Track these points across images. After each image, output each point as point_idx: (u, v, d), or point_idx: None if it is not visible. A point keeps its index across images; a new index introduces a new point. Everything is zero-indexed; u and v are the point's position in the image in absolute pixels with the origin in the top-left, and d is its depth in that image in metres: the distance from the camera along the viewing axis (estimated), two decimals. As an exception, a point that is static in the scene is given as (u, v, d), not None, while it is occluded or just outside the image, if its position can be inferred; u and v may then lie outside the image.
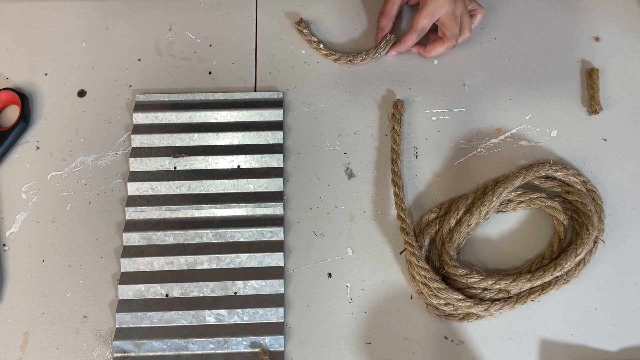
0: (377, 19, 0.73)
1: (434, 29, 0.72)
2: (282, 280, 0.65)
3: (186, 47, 0.74)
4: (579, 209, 0.65)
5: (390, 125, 0.70)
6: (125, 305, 0.64)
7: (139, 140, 0.69)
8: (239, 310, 0.64)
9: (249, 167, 0.69)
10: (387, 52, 0.73)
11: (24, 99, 0.71)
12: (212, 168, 0.69)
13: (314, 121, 0.71)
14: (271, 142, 0.70)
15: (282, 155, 0.69)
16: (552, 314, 0.65)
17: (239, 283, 0.65)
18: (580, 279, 0.65)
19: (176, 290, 0.65)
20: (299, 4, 0.75)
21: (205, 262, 0.66)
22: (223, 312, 0.64)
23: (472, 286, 0.63)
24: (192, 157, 0.69)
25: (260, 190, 0.68)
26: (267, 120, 0.70)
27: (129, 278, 0.65)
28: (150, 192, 0.68)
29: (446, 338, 0.65)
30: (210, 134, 0.69)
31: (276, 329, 0.64)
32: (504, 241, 0.67)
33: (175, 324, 0.64)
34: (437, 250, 0.66)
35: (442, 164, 0.69)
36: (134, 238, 0.66)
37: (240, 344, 0.64)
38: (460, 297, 0.62)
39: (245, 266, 0.66)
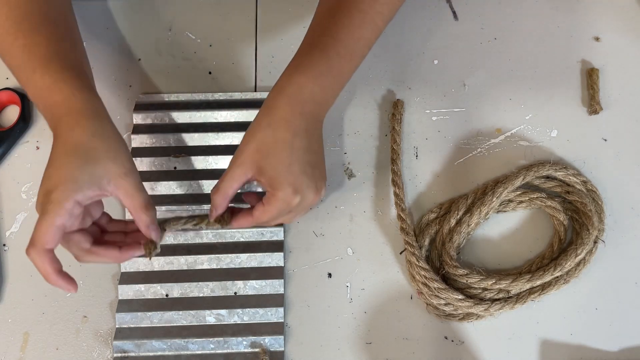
0: (211, 191, 0.57)
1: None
2: (282, 280, 0.65)
3: (186, 47, 0.74)
4: (579, 209, 0.65)
5: (390, 125, 0.70)
6: (125, 305, 0.64)
7: (139, 140, 0.69)
8: (239, 310, 0.64)
9: (249, 167, 0.69)
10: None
11: (24, 99, 0.71)
12: (212, 168, 0.69)
13: (314, 121, 0.71)
14: (271, 142, 0.70)
15: (282, 155, 0.69)
16: (552, 314, 0.65)
17: (239, 283, 0.65)
18: (580, 279, 0.65)
19: (176, 290, 0.65)
20: (299, 4, 0.75)
21: (205, 262, 0.66)
22: (223, 312, 0.64)
23: (472, 286, 0.63)
24: (192, 157, 0.69)
25: (260, 190, 0.68)
26: (267, 120, 0.70)
27: (129, 278, 0.65)
28: (150, 192, 0.67)
29: (446, 338, 0.65)
30: (210, 134, 0.69)
31: (276, 329, 0.64)
32: (504, 241, 0.67)
33: (175, 324, 0.64)
34: (437, 250, 0.66)
35: (442, 164, 0.69)
36: (134, 238, 0.66)
37: (240, 344, 0.64)
38: (461, 297, 0.62)
39: (245, 266, 0.66)
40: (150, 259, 0.57)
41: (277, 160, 0.54)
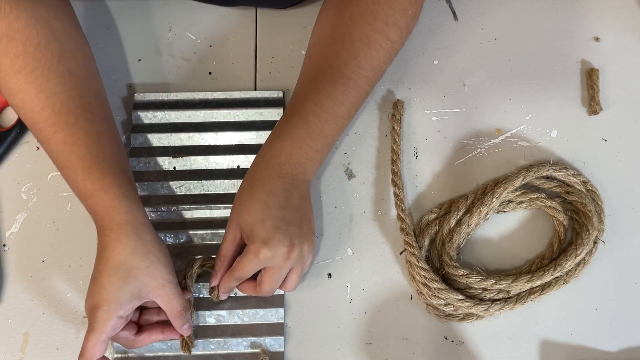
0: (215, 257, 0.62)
1: None
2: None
3: (186, 47, 0.74)
4: (579, 209, 0.65)
5: (390, 126, 0.70)
6: (125, 306, 0.64)
7: (139, 140, 0.69)
8: (239, 311, 0.64)
9: (248, 167, 0.68)
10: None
11: (23, 99, 0.71)
12: (212, 168, 0.69)
13: (314, 121, 0.71)
14: (271, 142, 0.69)
15: (282, 155, 0.69)
16: (552, 314, 0.65)
17: (239, 283, 0.65)
18: (580, 279, 0.65)
19: (176, 290, 0.65)
20: (299, 4, 0.75)
21: (205, 262, 0.66)
22: (223, 312, 0.64)
23: (472, 286, 0.63)
24: (192, 157, 0.68)
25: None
26: (267, 120, 0.70)
27: (129, 278, 0.65)
28: (150, 192, 0.68)
29: (446, 338, 0.65)
30: (209, 134, 0.69)
31: (276, 329, 0.64)
32: (504, 241, 0.67)
33: (175, 324, 0.64)
34: (437, 250, 0.66)
35: (442, 164, 0.69)
36: (134, 238, 0.66)
37: (241, 345, 0.64)
38: (460, 297, 0.62)
39: (245, 266, 0.66)
40: (190, 353, 0.62)
41: (251, 216, 0.58)
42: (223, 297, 0.63)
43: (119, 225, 0.57)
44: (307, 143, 0.60)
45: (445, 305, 0.63)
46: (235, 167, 0.69)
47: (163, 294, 0.58)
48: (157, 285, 0.57)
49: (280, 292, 0.65)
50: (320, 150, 0.61)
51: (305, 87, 0.63)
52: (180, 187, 0.68)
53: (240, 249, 0.60)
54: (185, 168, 0.68)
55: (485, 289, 0.63)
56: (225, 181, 0.68)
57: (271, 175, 0.59)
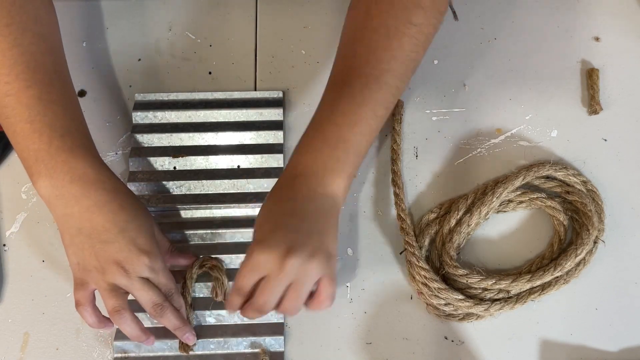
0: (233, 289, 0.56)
1: None
2: (282, 280, 0.65)
3: (186, 47, 0.74)
4: (579, 209, 0.65)
5: (391, 126, 0.70)
6: (126, 306, 0.64)
7: (139, 140, 0.69)
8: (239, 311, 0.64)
9: (248, 167, 0.69)
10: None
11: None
12: (212, 168, 0.69)
13: (314, 121, 0.71)
14: (271, 142, 0.69)
15: (282, 155, 0.69)
16: (552, 314, 0.65)
17: (239, 283, 0.65)
18: (580, 279, 0.65)
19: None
20: (299, 4, 0.75)
21: (205, 262, 0.66)
22: (223, 312, 0.64)
23: (472, 286, 0.63)
24: (192, 157, 0.68)
25: (260, 190, 0.68)
26: (267, 120, 0.70)
27: (129, 278, 0.65)
28: (150, 192, 0.68)
29: (446, 338, 0.65)
30: (209, 134, 0.69)
31: (276, 329, 0.64)
32: (504, 241, 0.67)
33: (175, 324, 0.64)
34: (437, 250, 0.66)
35: (442, 164, 0.69)
36: (134, 238, 0.66)
37: (241, 344, 0.64)
38: (461, 297, 0.62)
39: (245, 266, 0.66)
40: (188, 354, 0.63)
41: (260, 219, 0.57)
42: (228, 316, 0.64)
43: (115, 177, 0.59)
44: (325, 153, 0.56)
45: (445, 305, 0.63)
46: (235, 167, 0.69)
47: (159, 231, 0.61)
48: (155, 224, 0.61)
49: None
50: (342, 159, 0.56)
51: (325, 95, 0.59)
52: (180, 187, 0.68)
53: None
54: (185, 168, 0.68)
55: (485, 289, 0.63)
56: (225, 181, 0.68)
57: (283, 186, 0.57)
